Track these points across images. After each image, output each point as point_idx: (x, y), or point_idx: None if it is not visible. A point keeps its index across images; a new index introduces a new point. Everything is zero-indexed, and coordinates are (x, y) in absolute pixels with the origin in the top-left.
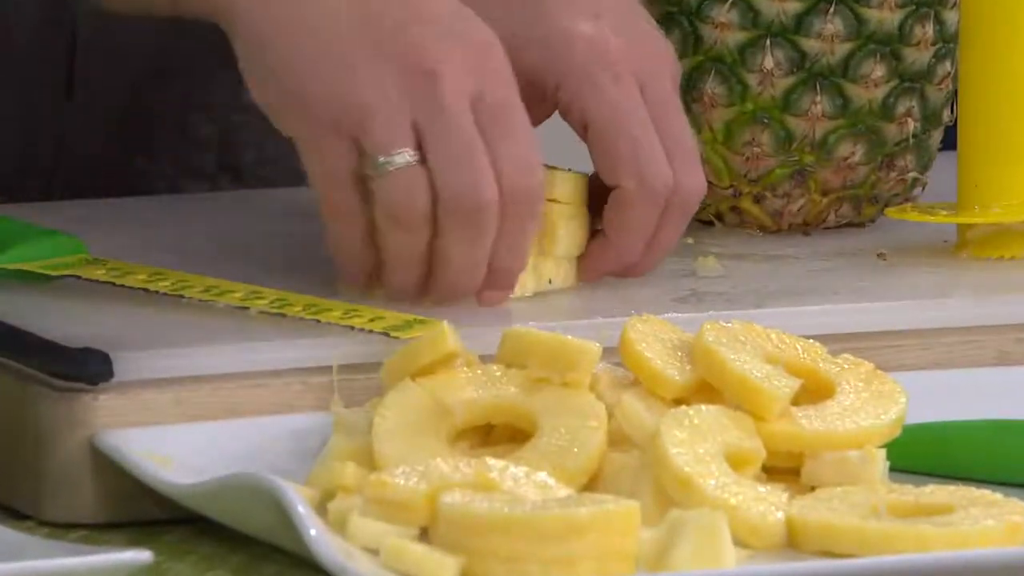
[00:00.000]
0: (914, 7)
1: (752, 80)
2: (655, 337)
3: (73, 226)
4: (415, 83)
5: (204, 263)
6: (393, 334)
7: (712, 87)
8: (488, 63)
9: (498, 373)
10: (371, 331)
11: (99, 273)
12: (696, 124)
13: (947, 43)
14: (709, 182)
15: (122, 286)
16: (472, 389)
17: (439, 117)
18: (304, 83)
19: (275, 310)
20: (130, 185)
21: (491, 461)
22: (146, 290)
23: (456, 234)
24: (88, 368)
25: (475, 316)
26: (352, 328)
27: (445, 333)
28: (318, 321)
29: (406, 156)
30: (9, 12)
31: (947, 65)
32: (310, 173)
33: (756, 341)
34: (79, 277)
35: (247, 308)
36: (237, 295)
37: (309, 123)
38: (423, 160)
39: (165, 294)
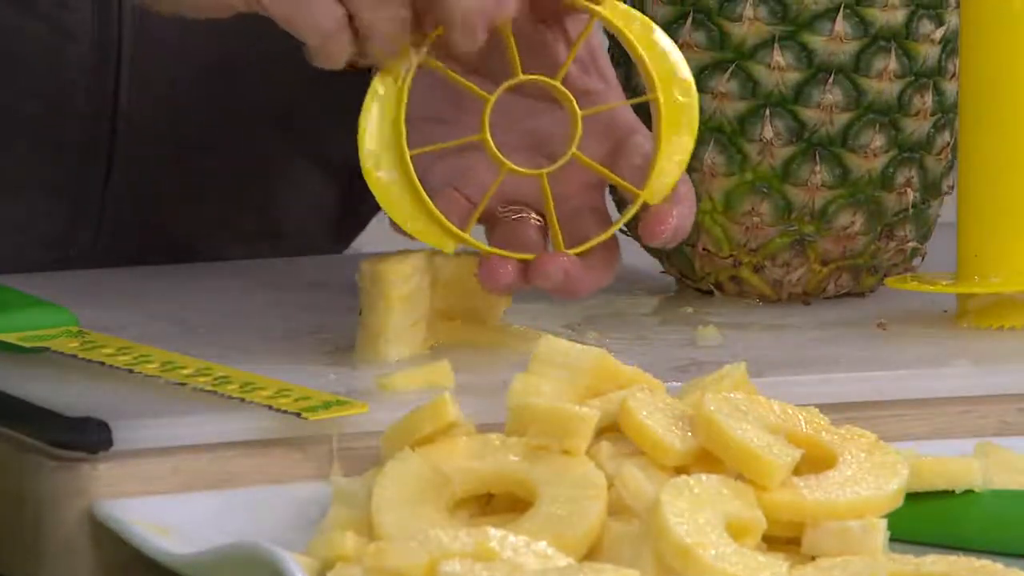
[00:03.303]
0: (913, 77)
1: (752, 150)
2: (655, 406)
3: (86, 295)
4: None
5: (203, 333)
6: (305, 415)
7: (712, 157)
8: None
9: (497, 442)
10: (286, 411)
11: (71, 346)
12: (696, 193)
13: (946, 113)
14: (708, 251)
15: (86, 360)
16: (471, 458)
17: None
18: None
19: (210, 387)
20: (172, 251)
21: (491, 530)
22: (101, 364)
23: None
24: (87, 437)
25: (473, 386)
26: (270, 408)
27: (446, 403)
28: (242, 400)
29: None
30: (58, 90)
31: (946, 135)
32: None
33: (757, 410)
34: (50, 349)
35: (184, 384)
36: (186, 371)
37: None
38: None
39: (122, 369)
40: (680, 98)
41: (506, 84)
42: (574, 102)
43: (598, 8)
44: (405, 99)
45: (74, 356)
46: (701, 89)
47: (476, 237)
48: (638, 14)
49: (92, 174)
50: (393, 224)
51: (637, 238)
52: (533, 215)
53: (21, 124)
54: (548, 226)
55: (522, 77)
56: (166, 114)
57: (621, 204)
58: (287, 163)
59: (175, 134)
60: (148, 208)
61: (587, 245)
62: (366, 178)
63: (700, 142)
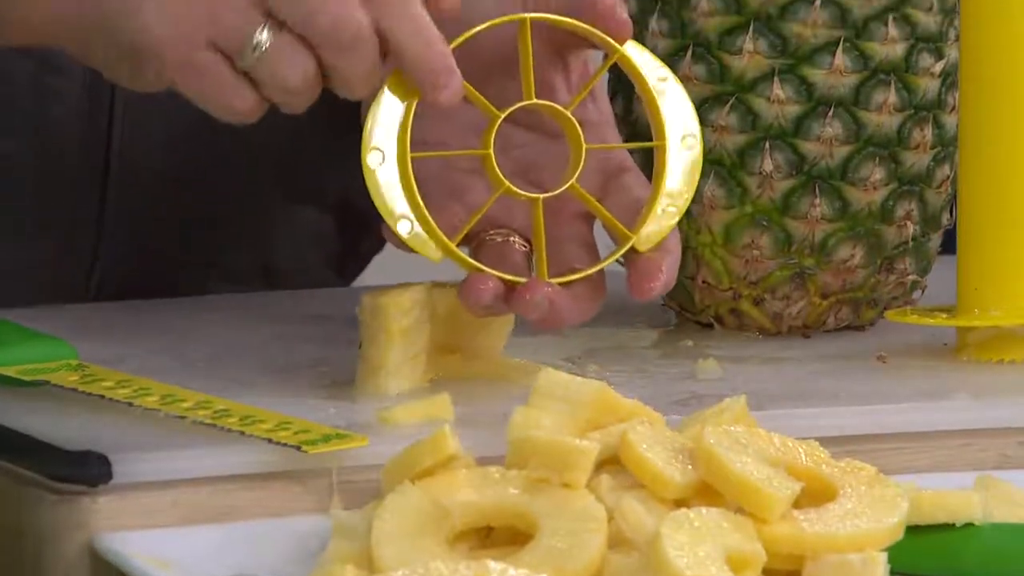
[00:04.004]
0: (913, 111)
1: (752, 183)
2: (655, 439)
3: (85, 328)
4: None
5: (202, 366)
6: (305, 448)
7: (711, 189)
8: None
9: (497, 475)
10: (285, 444)
11: (72, 380)
12: (695, 226)
13: (946, 147)
14: (708, 284)
15: (86, 393)
16: (471, 491)
17: None
18: (151, 31)
19: (210, 421)
20: (166, 291)
21: (491, 563)
22: (101, 397)
23: (345, 59)
24: (87, 470)
25: (473, 419)
26: (270, 441)
27: (446, 436)
28: (242, 433)
29: (265, 35)
30: (51, 129)
31: (946, 168)
32: (197, 97)
33: (757, 443)
34: (50, 383)
35: (184, 417)
36: (185, 405)
37: (177, 65)
38: (282, 25)
39: (122, 402)
40: (684, 150)
41: (518, 104)
42: (581, 134)
43: (621, 48)
44: (414, 104)
45: (74, 389)
46: (701, 122)
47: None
48: (658, 60)
49: (85, 213)
50: (385, 228)
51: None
52: (520, 241)
53: (13, 163)
54: (534, 253)
55: (536, 101)
56: (160, 152)
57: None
58: (283, 203)
59: (169, 173)
60: (142, 248)
61: (573, 277)
62: (364, 174)
63: (700, 174)
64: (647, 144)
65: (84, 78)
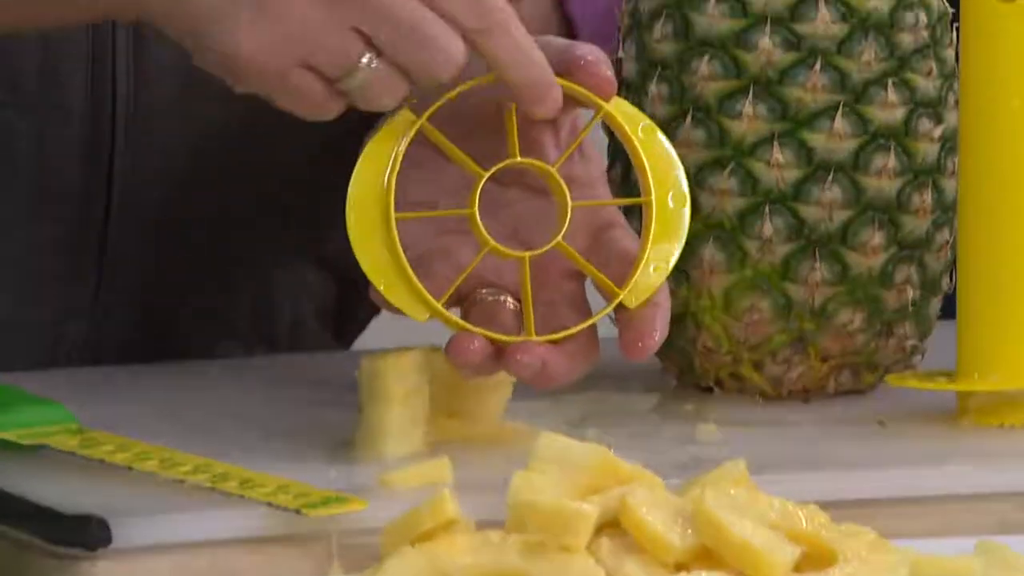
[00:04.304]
0: (912, 175)
1: (751, 247)
2: (655, 503)
3: (84, 392)
4: None
5: (201, 430)
6: (305, 511)
7: (711, 254)
8: None
9: (497, 539)
10: (285, 507)
11: (71, 444)
12: (695, 290)
13: (945, 211)
14: (708, 348)
15: (85, 457)
16: (471, 555)
17: (375, 14)
18: (240, 46)
19: (209, 484)
20: (165, 349)
21: None
22: (101, 461)
23: (438, 85)
24: (86, 534)
25: (473, 483)
26: (269, 504)
27: (445, 500)
28: (241, 496)
29: (365, 63)
30: (45, 176)
31: (946, 233)
32: (294, 111)
33: (757, 507)
34: (49, 447)
35: (183, 481)
36: (184, 468)
37: (265, 78)
38: (381, 53)
39: (121, 466)
40: (672, 205)
41: (502, 164)
42: (567, 192)
43: (606, 105)
44: (399, 162)
45: (73, 454)
46: (700, 186)
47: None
48: (643, 116)
49: (84, 266)
50: (372, 289)
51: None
52: (510, 300)
53: (10, 213)
54: (523, 311)
55: (520, 160)
56: (160, 206)
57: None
58: (283, 260)
59: (169, 228)
60: (140, 301)
61: (562, 334)
62: (349, 231)
63: (699, 239)
64: (634, 200)
65: (84, 134)
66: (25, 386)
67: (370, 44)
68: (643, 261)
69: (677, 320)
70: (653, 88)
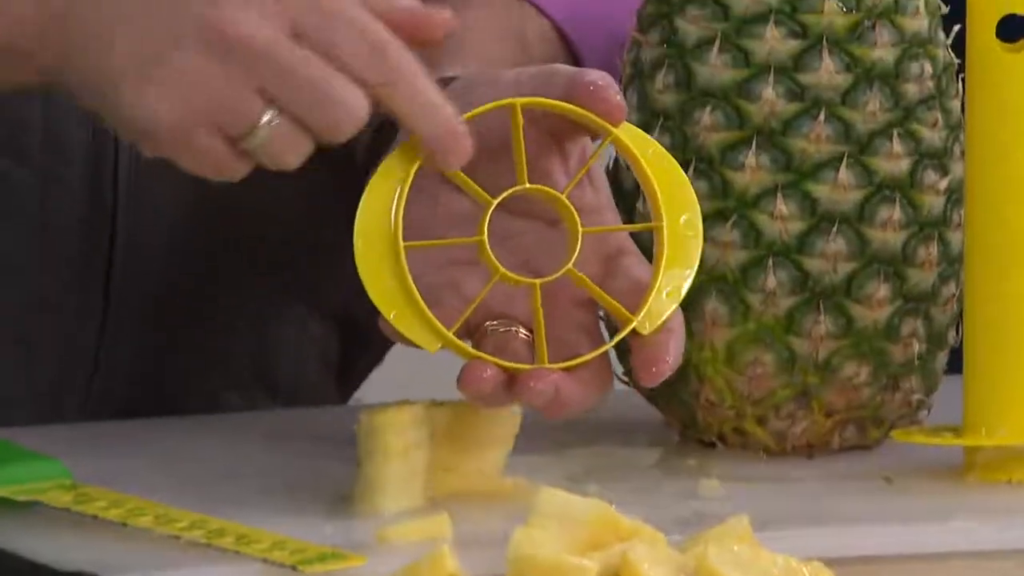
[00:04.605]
0: (918, 227)
1: (755, 300)
2: (657, 559)
3: (79, 447)
4: (232, 55)
5: (197, 485)
6: (301, 567)
7: (714, 306)
8: None
9: None
10: (281, 564)
11: (64, 500)
12: (698, 343)
13: (951, 264)
14: (711, 402)
15: (79, 514)
16: None
17: (273, 73)
18: (144, 109)
19: (205, 540)
20: (167, 400)
21: None
22: (94, 517)
23: (342, 138)
24: None
25: (472, 538)
26: (265, 560)
27: (444, 556)
28: (237, 553)
29: (266, 122)
30: (45, 236)
31: (952, 286)
32: (191, 170)
33: (760, 564)
34: (43, 503)
35: (178, 537)
36: (180, 524)
37: (171, 140)
38: (283, 111)
39: (115, 522)
40: (685, 231)
41: (512, 190)
42: (577, 219)
43: (615, 130)
44: (408, 189)
45: (67, 510)
46: (704, 238)
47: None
48: (653, 141)
49: (85, 323)
50: (381, 320)
51: (634, 382)
52: (522, 330)
53: (11, 275)
54: (535, 339)
55: (529, 186)
56: (161, 262)
57: (609, 324)
58: (284, 311)
59: (170, 283)
60: (141, 355)
61: (575, 361)
62: (357, 261)
63: (702, 291)
64: (646, 226)
65: (86, 196)
66: (22, 441)
67: (272, 102)
68: (656, 287)
69: (679, 373)
70: (655, 139)
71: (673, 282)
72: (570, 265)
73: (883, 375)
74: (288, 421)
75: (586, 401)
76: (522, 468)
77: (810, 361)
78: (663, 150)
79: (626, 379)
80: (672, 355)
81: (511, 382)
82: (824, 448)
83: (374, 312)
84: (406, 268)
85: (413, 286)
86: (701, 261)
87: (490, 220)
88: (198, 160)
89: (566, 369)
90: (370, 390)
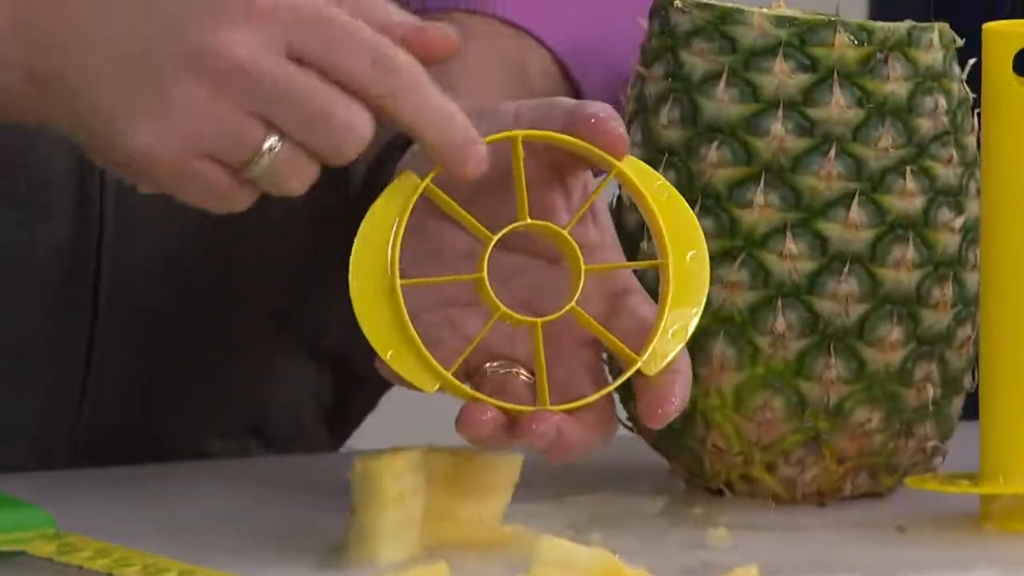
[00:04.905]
0: (932, 267)
1: (763, 342)
2: None
3: (66, 494)
4: (228, 82)
5: (186, 533)
6: None
7: (721, 349)
8: (267, 8)
9: None
10: None
11: (48, 550)
12: (704, 387)
13: (967, 305)
14: (718, 448)
15: (63, 564)
16: None
17: (272, 98)
18: (136, 141)
19: None
20: (155, 446)
21: None
22: (79, 568)
23: (345, 160)
24: None
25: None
26: None
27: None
28: None
29: (267, 149)
30: (30, 275)
31: (968, 328)
32: (193, 202)
33: None
34: (26, 553)
35: None
36: (168, 575)
37: (166, 173)
38: (284, 136)
39: (101, 573)
40: (691, 268)
41: (512, 226)
42: (580, 256)
43: (618, 163)
44: (404, 225)
45: (50, 560)
46: (711, 279)
47: None
48: (658, 174)
49: (71, 368)
50: (378, 360)
51: (638, 427)
52: (523, 372)
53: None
54: (536, 380)
55: (530, 222)
56: (149, 305)
57: (612, 365)
58: (277, 356)
59: (158, 327)
60: (128, 401)
61: (577, 404)
62: (352, 299)
63: (709, 334)
64: (651, 263)
65: (70, 243)
66: (6, 487)
67: (272, 128)
68: (661, 327)
69: (686, 419)
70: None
71: (679, 321)
72: (572, 303)
73: (896, 420)
74: (280, 468)
75: (589, 444)
76: (522, 516)
77: (821, 406)
78: (668, 184)
79: (630, 424)
80: (679, 396)
81: (512, 425)
82: (835, 496)
83: (371, 353)
84: (403, 306)
85: (410, 325)
86: (708, 302)
87: (490, 257)
88: (200, 193)
89: (569, 411)
90: (363, 438)
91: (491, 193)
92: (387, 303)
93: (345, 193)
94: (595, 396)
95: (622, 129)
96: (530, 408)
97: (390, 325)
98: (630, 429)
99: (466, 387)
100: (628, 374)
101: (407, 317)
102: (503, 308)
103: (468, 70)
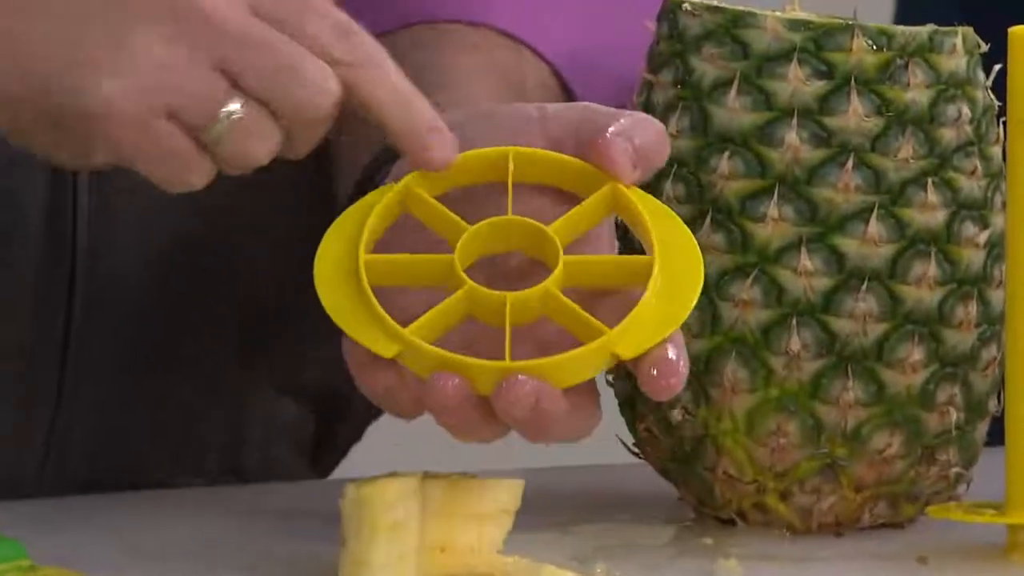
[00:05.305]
0: (955, 285)
1: (777, 364)
2: None
3: (39, 523)
4: (194, 32)
5: (163, 564)
6: None
7: (732, 371)
8: None
9: None
10: None
11: None
12: (715, 411)
13: (992, 325)
14: (729, 475)
15: None
16: None
17: (238, 49)
18: (97, 94)
19: None
20: (128, 478)
21: None
22: None
23: (312, 131)
24: None
25: None
26: None
27: None
28: None
29: (232, 109)
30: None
31: (993, 349)
32: (149, 171)
33: None
34: None
35: None
36: None
37: (126, 131)
38: (248, 95)
39: None
40: (678, 259)
41: (491, 220)
42: (559, 247)
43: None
44: (380, 212)
45: None
46: (721, 296)
47: None
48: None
49: (40, 399)
50: (344, 341)
51: (645, 454)
52: None
53: None
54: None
55: (511, 217)
56: (120, 335)
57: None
58: (254, 393)
59: (130, 358)
60: (98, 436)
61: (549, 360)
62: (315, 275)
63: (720, 354)
64: (635, 258)
65: (40, 267)
66: None
67: (236, 86)
68: (641, 307)
69: (695, 444)
70: (668, 187)
71: (669, 320)
72: (547, 284)
73: (917, 446)
74: (262, 495)
75: (571, 425)
76: (524, 546)
77: (838, 431)
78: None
79: (637, 450)
80: (683, 367)
81: (485, 406)
82: (853, 526)
83: (353, 384)
84: (364, 277)
85: (370, 292)
86: (718, 322)
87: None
88: (159, 158)
89: (540, 374)
90: (353, 464)
91: (471, 200)
92: (351, 281)
93: (328, 216)
94: (566, 354)
95: (626, 157)
96: (495, 363)
97: (352, 300)
98: (636, 455)
99: (428, 345)
100: (599, 341)
101: (368, 286)
102: (470, 282)
103: (462, 82)
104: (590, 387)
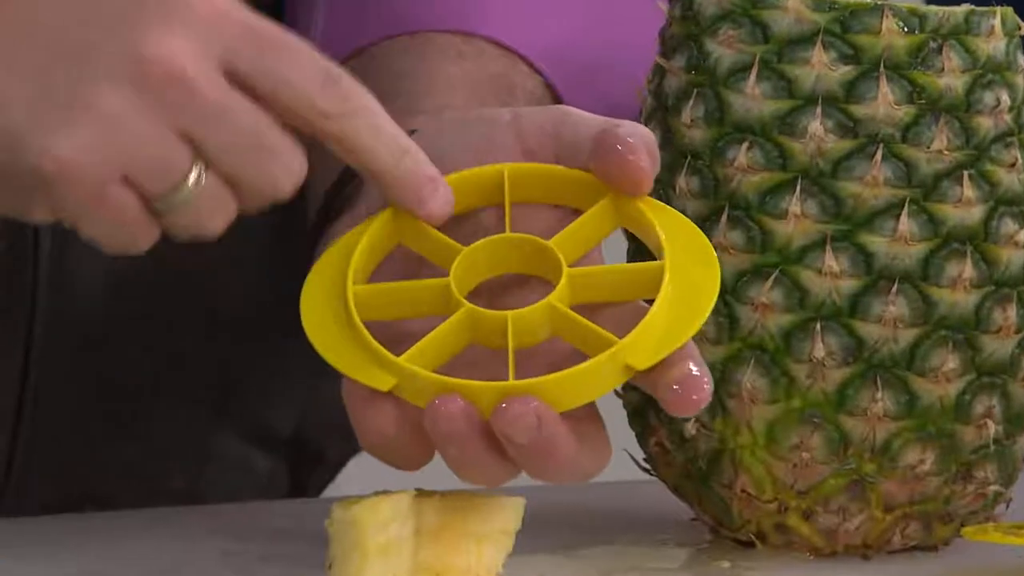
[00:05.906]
0: (993, 287)
1: (800, 372)
2: None
3: (9, 547)
4: (159, 92)
5: None
6: None
7: (751, 380)
8: (212, 16)
9: None
10: None
11: None
12: (733, 424)
13: None
14: (748, 493)
15: None
16: None
17: (205, 121)
18: (55, 152)
19: None
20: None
21: None
22: None
23: (265, 203)
24: None
25: None
26: None
27: None
28: None
29: (193, 179)
30: None
31: None
32: (95, 234)
33: None
34: None
35: None
36: None
37: (80, 192)
38: (208, 164)
39: None
40: (692, 267)
41: (487, 239)
42: (562, 261)
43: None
44: (373, 233)
45: None
46: (738, 299)
47: None
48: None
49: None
50: (344, 382)
51: (657, 471)
52: None
53: None
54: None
55: (510, 235)
56: (82, 370)
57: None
58: (223, 441)
59: (91, 391)
60: (60, 468)
61: (554, 376)
62: (301, 307)
63: (737, 362)
64: (646, 264)
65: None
66: None
67: (199, 154)
68: (651, 318)
69: (711, 460)
70: (682, 181)
71: (682, 330)
72: (550, 299)
73: (952, 462)
74: (243, 514)
75: (580, 461)
76: (525, 569)
77: (865, 445)
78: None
79: (647, 466)
80: (708, 382)
81: (487, 429)
82: (882, 548)
83: (328, 429)
84: (353, 307)
85: (360, 323)
86: (735, 327)
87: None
88: (105, 223)
89: (547, 391)
90: (336, 487)
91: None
92: (340, 316)
93: (302, 244)
94: (573, 369)
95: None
96: (496, 383)
97: (343, 335)
98: (647, 471)
99: (426, 371)
100: (610, 352)
101: (357, 318)
102: (468, 304)
103: (441, 90)
104: (599, 421)
